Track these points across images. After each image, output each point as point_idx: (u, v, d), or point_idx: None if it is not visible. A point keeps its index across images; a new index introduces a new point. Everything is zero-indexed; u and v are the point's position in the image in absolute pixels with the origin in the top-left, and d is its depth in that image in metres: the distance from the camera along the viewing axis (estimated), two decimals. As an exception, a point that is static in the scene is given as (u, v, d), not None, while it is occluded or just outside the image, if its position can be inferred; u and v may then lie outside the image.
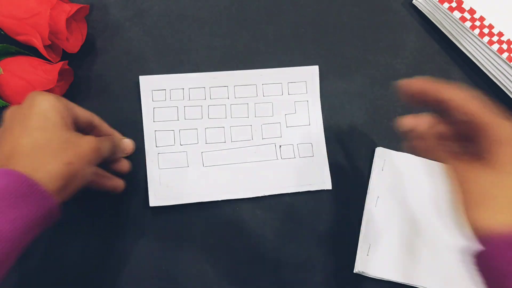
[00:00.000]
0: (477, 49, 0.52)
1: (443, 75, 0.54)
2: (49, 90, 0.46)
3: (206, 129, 0.51)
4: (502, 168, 0.31)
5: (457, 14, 0.51)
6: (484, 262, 0.30)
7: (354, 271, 0.50)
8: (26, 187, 0.34)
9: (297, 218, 0.51)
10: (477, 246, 0.30)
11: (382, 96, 0.53)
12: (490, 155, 0.31)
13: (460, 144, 0.35)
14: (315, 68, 0.53)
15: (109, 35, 0.53)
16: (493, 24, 0.51)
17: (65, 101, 0.40)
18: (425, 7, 0.54)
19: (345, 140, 0.50)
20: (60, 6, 0.46)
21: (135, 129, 0.50)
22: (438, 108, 0.34)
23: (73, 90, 0.51)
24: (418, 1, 0.55)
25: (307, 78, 0.53)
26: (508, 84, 0.52)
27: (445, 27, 0.54)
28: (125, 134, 0.47)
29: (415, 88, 0.34)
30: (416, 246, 0.50)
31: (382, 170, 0.52)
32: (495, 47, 0.50)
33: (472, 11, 0.51)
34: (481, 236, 0.30)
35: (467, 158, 0.33)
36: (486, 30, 0.51)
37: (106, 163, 0.45)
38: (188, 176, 0.50)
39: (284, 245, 0.50)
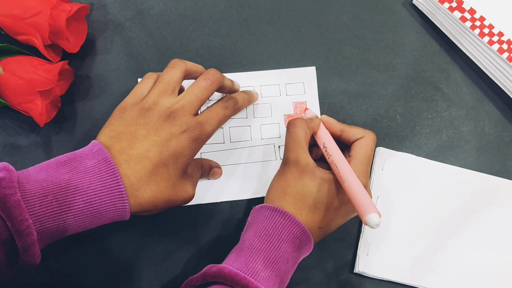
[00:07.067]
0: (477, 49, 0.52)
1: (443, 75, 0.54)
2: (49, 90, 0.46)
3: None
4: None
5: (457, 14, 0.51)
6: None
7: (354, 271, 0.50)
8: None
9: (296, 218, 0.50)
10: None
11: (382, 96, 0.53)
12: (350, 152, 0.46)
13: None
14: (312, 69, 0.53)
15: (109, 35, 0.53)
16: (493, 24, 0.51)
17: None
18: (425, 7, 0.54)
19: (345, 140, 0.50)
20: (60, 5, 0.47)
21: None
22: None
23: (73, 90, 0.51)
24: (418, 1, 0.55)
25: (304, 79, 0.53)
26: (508, 84, 0.52)
27: (445, 27, 0.54)
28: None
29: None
30: (416, 246, 0.50)
31: (382, 170, 0.52)
32: (495, 47, 0.50)
33: (472, 11, 0.51)
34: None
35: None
36: (486, 30, 0.51)
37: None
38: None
39: (283, 245, 0.50)
